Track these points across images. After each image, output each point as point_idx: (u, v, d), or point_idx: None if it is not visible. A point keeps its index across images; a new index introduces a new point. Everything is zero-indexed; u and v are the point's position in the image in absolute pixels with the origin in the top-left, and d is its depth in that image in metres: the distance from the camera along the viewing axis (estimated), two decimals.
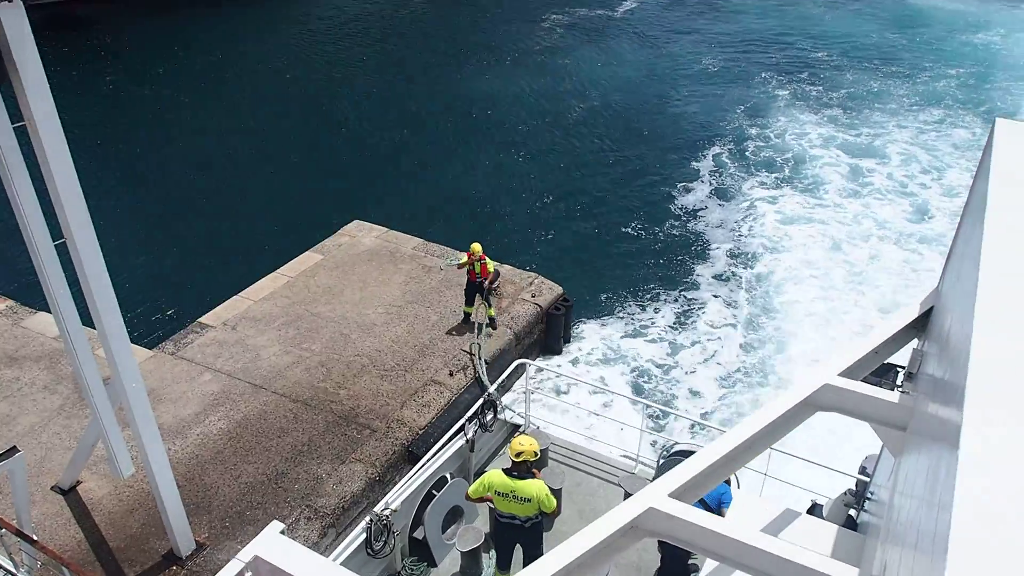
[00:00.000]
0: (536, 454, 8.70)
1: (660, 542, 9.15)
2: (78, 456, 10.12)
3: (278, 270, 15.36)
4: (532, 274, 15.50)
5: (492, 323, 13.95)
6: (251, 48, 33.01)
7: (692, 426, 14.04)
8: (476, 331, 13.71)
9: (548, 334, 15.23)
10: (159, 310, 16.36)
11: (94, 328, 8.12)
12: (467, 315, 13.96)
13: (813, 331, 17.52)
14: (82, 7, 36.51)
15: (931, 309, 5.33)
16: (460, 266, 13.61)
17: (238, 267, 16.80)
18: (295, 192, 21.39)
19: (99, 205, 20.17)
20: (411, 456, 11.76)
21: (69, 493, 10.67)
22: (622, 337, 16.87)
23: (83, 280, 7.64)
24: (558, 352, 15.42)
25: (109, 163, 23.46)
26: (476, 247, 13.34)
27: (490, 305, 13.82)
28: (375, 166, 23.15)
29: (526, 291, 15.04)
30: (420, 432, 11.93)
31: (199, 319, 14.04)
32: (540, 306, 14.84)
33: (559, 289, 15.36)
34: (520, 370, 12.99)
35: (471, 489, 9.14)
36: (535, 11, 39.36)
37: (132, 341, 13.46)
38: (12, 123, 6.79)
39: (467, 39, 35.67)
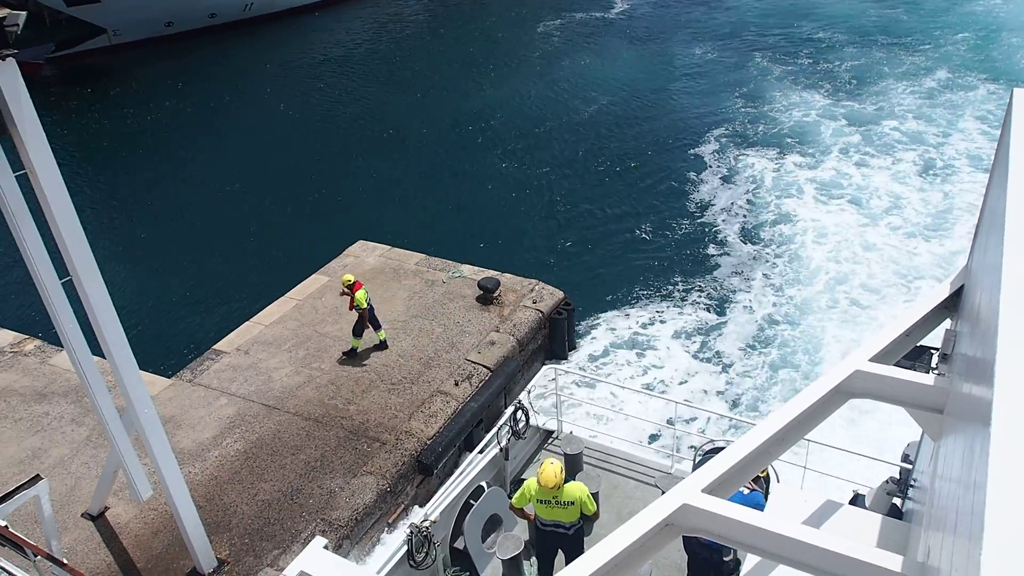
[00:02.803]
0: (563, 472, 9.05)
1: (684, 542, 9.27)
2: (102, 483, 10.63)
3: (287, 294, 15.86)
4: (533, 280, 15.85)
5: (383, 344, 13.99)
6: (253, 83, 33.88)
7: (725, 421, 14.12)
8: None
9: (552, 339, 15.55)
10: (177, 340, 16.96)
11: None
12: (354, 349, 13.79)
13: (838, 308, 17.65)
14: (94, 58, 37.77)
15: (962, 287, 5.19)
16: (341, 294, 13.67)
17: (249, 294, 17.37)
18: (301, 217, 22.00)
19: (118, 244, 21.00)
20: (421, 466, 12.14)
21: (98, 519, 11.18)
22: (637, 335, 17.16)
23: (91, 315, 8.13)
24: (564, 357, 15.71)
25: (126, 201, 24.27)
26: (345, 277, 13.29)
27: (358, 336, 13.69)
28: (377, 186, 23.72)
29: (527, 297, 15.40)
30: (428, 442, 12.30)
31: (214, 346, 14.56)
32: (542, 311, 15.17)
33: (560, 294, 15.68)
34: (546, 375, 13.28)
35: (514, 499, 9.43)
36: (529, 19, 39.91)
37: (153, 372, 14.12)
38: (14, 171, 7.30)
39: (463, 53, 36.23)
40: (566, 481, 9.13)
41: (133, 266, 20.38)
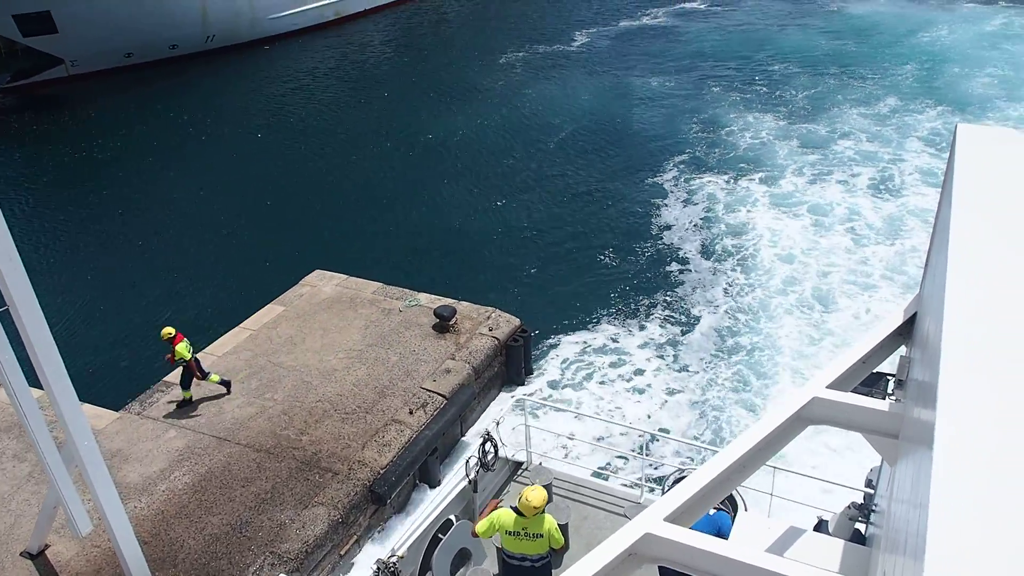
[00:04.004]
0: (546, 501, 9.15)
1: (660, 568, 9.27)
2: (41, 520, 10.34)
3: (241, 324, 15.69)
4: (489, 308, 15.89)
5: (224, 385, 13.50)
6: (214, 113, 33.81)
7: (695, 446, 14.16)
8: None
9: (509, 366, 15.57)
10: (126, 372, 16.66)
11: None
12: (186, 400, 13.34)
13: (796, 331, 18.00)
14: (51, 88, 37.41)
15: (915, 315, 5.34)
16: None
17: (202, 324, 17.17)
18: (258, 247, 21.88)
19: (70, 274, 20.67)
20: (373, 496, 12.01)
21: (37, 557, 10.84)
22: (601, 358, 17.27)
23: (27, 345, 7.98)
24: (520, 384, 15.74)
25: (79, 230, 23.91)
26: (165, 330, 12.75)
27: (186, 388, 13.18)
28: (337, 215, 23.72)
29: (483, 325, 15.42)
30: (381, 472, 12.19)
31: (164, 378, 14.32)
32: (498, 339, 15.20)
33: (516, 321, 15.74)
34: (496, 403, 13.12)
35: (479, 528, 9.32)
36: (492, 50, 40.44)
37: (101, 405, 13.81)
38: None
39: (426, 83, 36.55)
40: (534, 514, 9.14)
41: (84, 297, 20.07)
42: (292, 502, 11.56)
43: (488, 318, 15.67)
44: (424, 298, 16.22)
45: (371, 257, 20.56)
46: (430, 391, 13.76)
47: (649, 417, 15.85)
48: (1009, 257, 3.56)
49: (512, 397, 14.43)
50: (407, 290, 16.58)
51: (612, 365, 17.31)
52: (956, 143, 4.90)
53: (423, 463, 12.94)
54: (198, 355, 14.04)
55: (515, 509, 9.08)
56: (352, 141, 29.74)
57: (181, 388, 13.36)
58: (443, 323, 15.23)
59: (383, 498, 12.03)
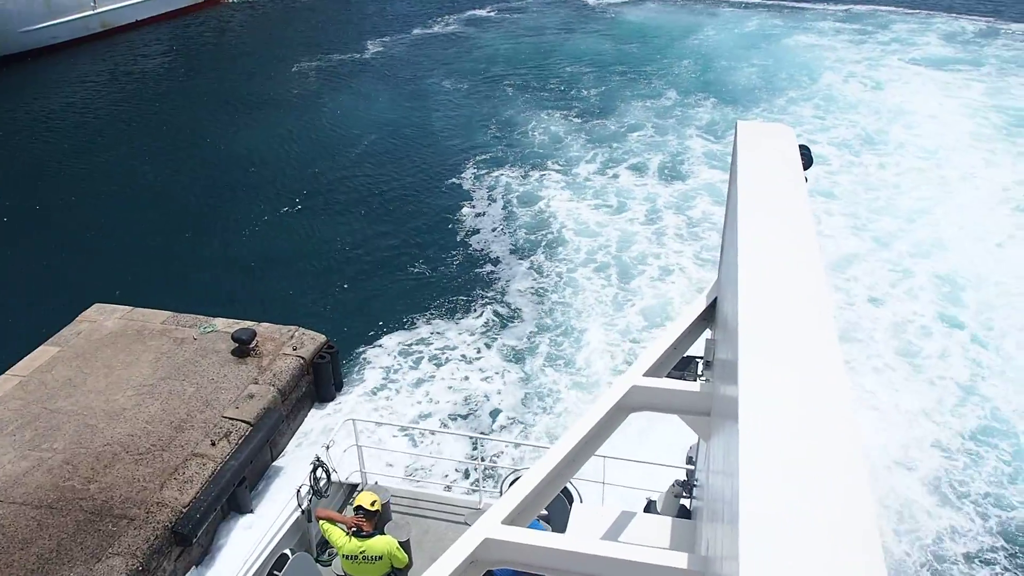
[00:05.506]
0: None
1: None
2: None
3: (8, 371, 14.16)
4: (292, 327, 15.46)
5: None
6: None
7: (527, 447, 14.25)
8: None
9: (318, 384, 15.24)
10: None
11: None
12: None
13: (605, 315, 18.95)
14: None
15: (716, 300, 5.67)
16: None
17: None
18: (24, 284, 19.73)
19: None
20: (177, 537, 11.31)
21: None
22: (422, 362, 17.11)
23: None
24: (331, 399, 15.46)
25: None
26: None
27: None
28: (115, 242, 21.89)
29: (287, 345, 14.98)
30: (184, 510, 11.51)
31: None
32: (303, 358, 14.83)
33: (322, 338, 15.44)
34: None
35: (323, 524, 9.27)
36: (282, 59, 39.12)
37: None
38: None
39: (211, 95, 34.74)
40: (371, 535, 8.99)
41: None
42: (83, 557, 10.63)
43: (292, 337, 15.24)
44: (220, 323, 15.48)
45: (158, 285, 19.17)
46: (233, 419, 13.17)
47: (474, 415, 16.01)
48: (788, 239, 3.98)
49: (337, 416, 14.07)
50: (201, 316, 15.74)
51: (436, 360, 17.39)
52: (737, 138, 5.34)
53: (232, 495, 12.37)
54: None
55: (353, 533, 8.99)
56: (130, 160, 27.56)
57: None
58: (243, 347, 14.61)
59: (188, 538, 11.37)
